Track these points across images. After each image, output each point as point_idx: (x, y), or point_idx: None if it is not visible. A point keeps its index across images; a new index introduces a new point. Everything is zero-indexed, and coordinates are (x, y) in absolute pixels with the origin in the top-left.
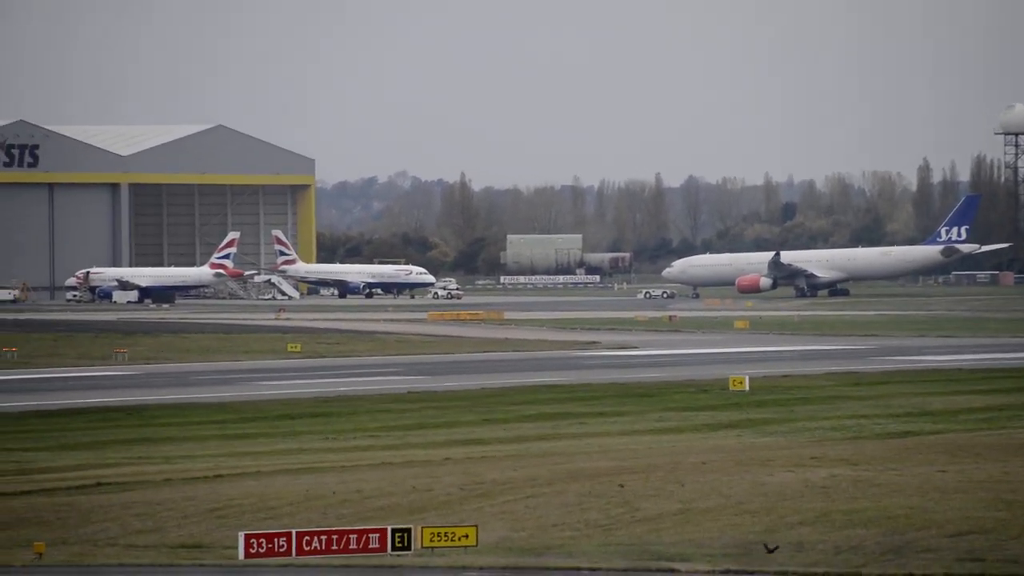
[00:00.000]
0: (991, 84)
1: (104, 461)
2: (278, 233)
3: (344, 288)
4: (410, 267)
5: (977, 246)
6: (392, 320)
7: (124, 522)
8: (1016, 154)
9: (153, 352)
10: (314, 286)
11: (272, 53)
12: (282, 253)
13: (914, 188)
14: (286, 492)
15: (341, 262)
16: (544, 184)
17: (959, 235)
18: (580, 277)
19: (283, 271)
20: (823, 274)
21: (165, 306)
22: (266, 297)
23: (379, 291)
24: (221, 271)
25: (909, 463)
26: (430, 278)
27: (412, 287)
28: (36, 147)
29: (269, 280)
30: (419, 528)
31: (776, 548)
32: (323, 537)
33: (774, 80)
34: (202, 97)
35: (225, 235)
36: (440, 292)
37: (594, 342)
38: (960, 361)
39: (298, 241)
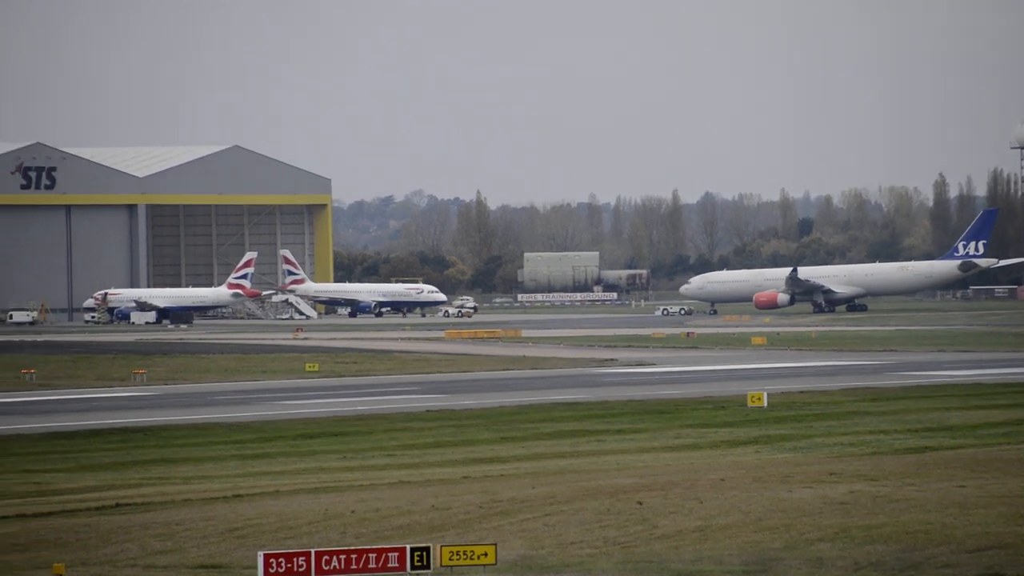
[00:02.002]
0: (1007, 99)
1: (123, 482)
2: (286, 253)
3: (355, 307)
4: (421, 286)
5: (995, 260)
6: (410, 339)
7: (144, 543)
8: None
9: (171, 373)
10: (329, 305)
11: (289, 73)
12: (290, 273)
13: (931, 203)
14: (305, 511)
15: (358, 281)
16: (560, 202)
17: (976, 250)
18: (597, 294)
19: (292, 290)
20: (840, 290)
21: (183, 326)
22: (284, 317)
23: (388, 309)
24: (239, 291)
25: (928, 478)
26: (441, 296)
27: (423, 305)
28: (53, 169)
29: (287, 300)
30: (438, 547)
31: None
32: (342, 556)
33: (790, 96)
34: (219, 118)
35: (242, 255)
36: (451, 310)
37: (611, 359)
38: (978, 376)
39: (315, 260)
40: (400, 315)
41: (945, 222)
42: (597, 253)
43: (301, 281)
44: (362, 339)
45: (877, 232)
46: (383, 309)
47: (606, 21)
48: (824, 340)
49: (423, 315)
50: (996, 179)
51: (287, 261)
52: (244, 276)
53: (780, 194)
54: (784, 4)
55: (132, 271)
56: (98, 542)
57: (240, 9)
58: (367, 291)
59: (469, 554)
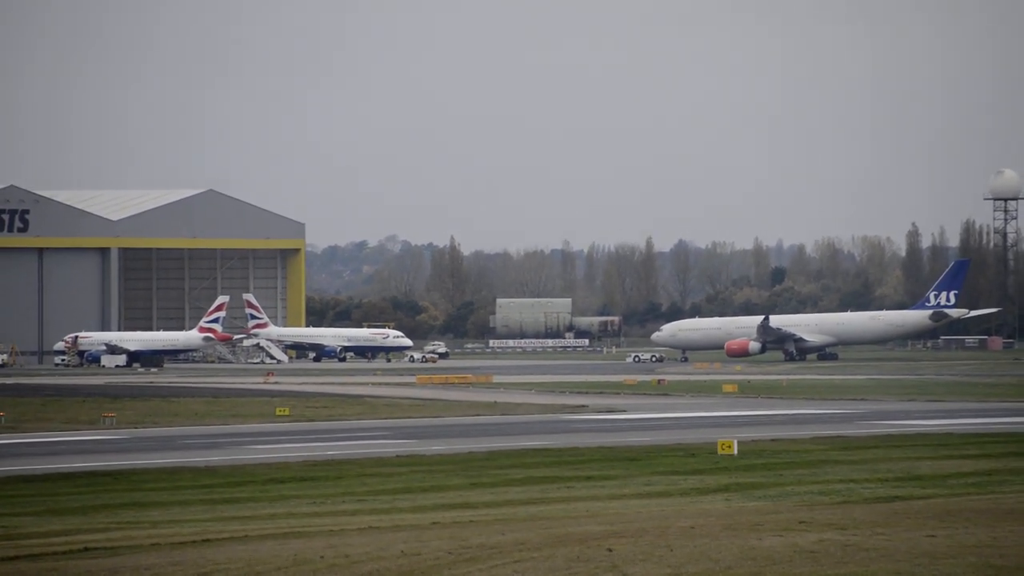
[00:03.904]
0: (980, 150)
1: (91, 526)
2: (249, 297)
3: (320, 351)
4: (387, 331)
5: (966, 311)
6: (380, 383)
7: None
8: (1005, 219)
9: (141, 416)
10: (297, 349)
11: (262, 117)
12: (253, 316)
13: (903, 253)
14: (274, 557)
15: (331, 326)
16: (534, 248)
17: (948, 300)
18: (569, 341)
19: (255, 334)
20: (812, 338)
21: (154, 370)
22: (255, 361)
23: (352, 355)
24: (210, 335)
25: (898, 528)
26: (407, 341)
27: (388, 351)
28: (27, 212)
29: (258, 344)
30: None
31: None
32: None
33: (764, 144)
34: (192, 161)
35: (215, 299)
36: (416, 356)
37: (582, 406)
38: (949, 425)
39: (287, 305)
40: (365, 359)
41: (917, 272)
42: (570, 300)
43: (264, 325)
44: (333, 383)
45: (849, 281)
46: (348, 354)
47: (579, 69)
48: (795, 388)
49: (388, 360)
50: (968, 230)
51: (250, 305)
52: (216, 320)
53: (753, 242)
54: (756, 53)
55: (103, 314)
56: None
57: (214, 53)
58: (332, 335)
59: None
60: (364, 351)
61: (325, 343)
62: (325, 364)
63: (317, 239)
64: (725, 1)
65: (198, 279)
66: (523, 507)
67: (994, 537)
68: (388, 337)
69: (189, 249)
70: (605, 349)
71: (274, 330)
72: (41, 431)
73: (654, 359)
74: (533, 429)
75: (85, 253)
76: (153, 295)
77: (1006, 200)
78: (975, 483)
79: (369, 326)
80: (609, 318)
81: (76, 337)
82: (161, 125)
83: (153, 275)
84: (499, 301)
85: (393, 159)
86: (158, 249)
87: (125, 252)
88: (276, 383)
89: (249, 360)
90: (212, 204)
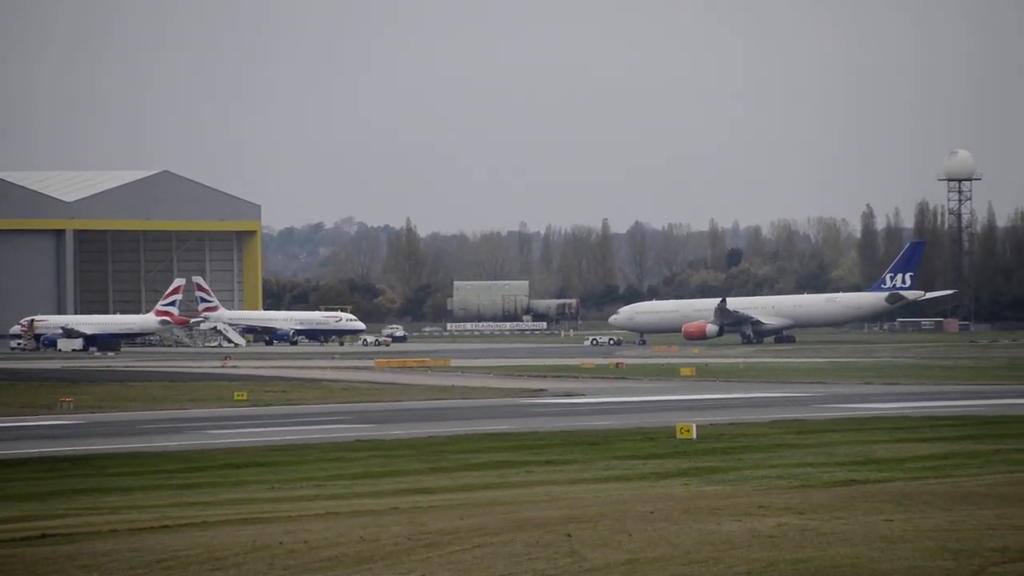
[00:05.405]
0: (934, 130)
1: (49, 512)
2: (199, 280)
3: (272, 335)
4: (340, 314)
5: (921, 293)
6: (339, 368)
7: (69, 574)
8: (960, 200)
9: (99, 401)
10: (250, 333)
11: (216, 97)
12: (203, 300)
13: (859, 234)
14: (232, 542)
15: (288, 309)
16: (491, 230)
17: (904, 282)
18: (527, 324)
19: (205, 318)
20: (769, 321)
21: (111, 354)
22: (212, 344)
23: (304, 338)
24: (167, 318)
25: (855, 512)
26: (360, 325)
27: (342, 334)
28: None
29: (215, 327)
30: None
31: None
32: None
33: (719, 126)
34: (147, 142)
35: (171, 282)
36: (369, 339)
37: (541, 389)
38: (905, 409)
39: (244, 287)
40: (318, 343)
41: (872, 254)
42: (527, 282)
43: (215, 308)
44: (291, 368)
45: (805, 263)
46: (300, 337)
47: (536, 47)
48: (752, 371)
49: (341, 343)
50: (923, 211)
51: (200, 288)
52: (172, 303)
53: (709, 224)
54: (715, 34)
55: (59, 297)
56: (23, 573)
57: (170, 35)
58: (283, 319)
59: None
60: (317, 335)
61: (277, 326)
62: (283, 348)
63: (273, 221)
64: None
65: (154, 262)
66: (482, 492)
67: (951, 521)
68: (341, 320)
69: (144, 231)
70: (563, 332)
71: (225, 313)
72: None
73: (612, 342)
74: (492, 413)
75: (40, 235)
76: (109, 278)
77: (960, 181)
78: (932, 467)
79: (326, 309)
80: (566, 301)
81: (32, 321)
82: (116, 106)
83: (109, 258)
84: (456, 284)
85: (350, 141)
86: (113, 231)
87: (80, 234)
88: (234, 367)
89: (206, 344)
90: (167, 185)
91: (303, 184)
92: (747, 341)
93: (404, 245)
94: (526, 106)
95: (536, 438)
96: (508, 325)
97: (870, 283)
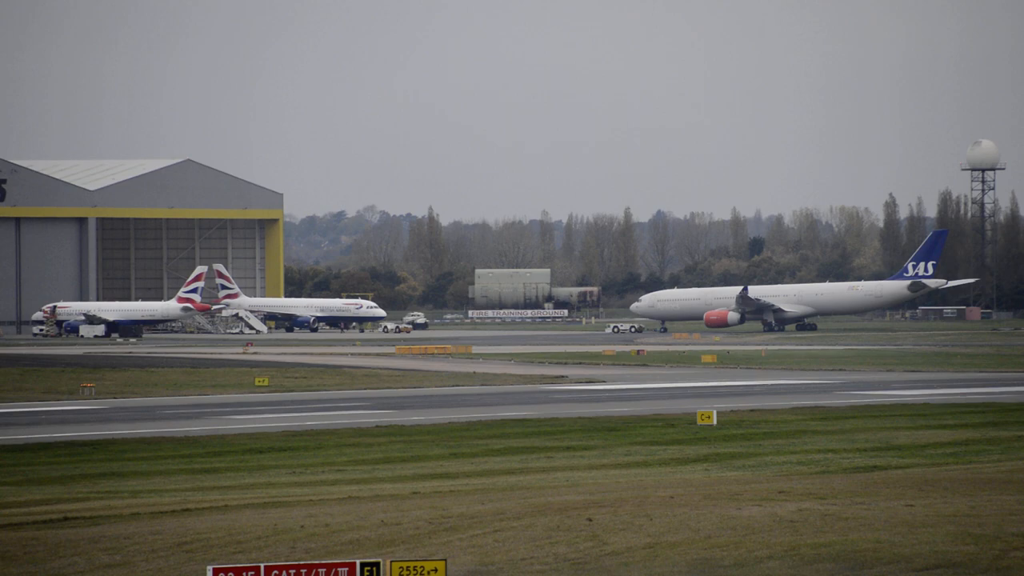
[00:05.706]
0: (958, 120)
1: (71, 495)
2: (219, 267)
3: (292, 322)
4: (360, 301)
5: (944, 281)
6: (360, 354)
7: (91, 556)
8: (983, 190)
9: (120, 386)
10: (275, 320)
11: (242, 88)
12: (224, 287)
13: (881, 224)
14: (254, 526)
15: (309, 296)
16: (512, 219)
17: (926, 270)
18: (548, 311)
19: (226, 304)
20: (791, 308)
21: (132, 340)
22: (234, 331)
23: (325, 325)
24: (189, 305)
25: (876, 497)
26: (380, 312)
27: (362, 320)
28: (3, 181)
29: (237, 314)
30: (388, 562)
31: None
32: (292, 571)
33: (742, 116)
34: (170, 131)
35: (193, 269)
36: (390, 326)
37: (562, 376)
38: (927, 396)
39: (266, 275)
40: (338, 330)
41: (895, 243)
42: (548, 270)
43: (236, 295)
44: (312, 354)
45: (827, 252)
46: (320, 324)
47: (560, 39)
48: (773, 359)
49: (360, 330)
50: (946, 200)
51: (221, 275)
52: (194, 290)
53: (731, 213)
54: (735, 27)
55: (82, 284)
56: (46, 556)
57: (194, 25)
58: (304, 306)
59: (419, 569)
60: (337, 321)
61: (298, 313)
62: (303, 335)
63: (295, 209)
64: None
65: (176, 249)
66: (503, 477)
67: (972, 506)
68: (361, 307)
69: (167, 219)
70: (584, 319)
71: (246, 300)
72: (20, 401)
73: (633, 329)
74: (513, 400)
75: (63, 223)
76: (131, 265)
77: (983, 171)
78: (953, 453)
79: (348, 296)
80: (588, 288)
81: (55, 307)
82: (139, 94)
83: (131, 245)
84: (478, 271)
85: (372, 130)
86: (136, 219)
87: (103, 222)
88: (255, 353)
89: (228, 330)
90: (189, 174)
91: (326, 173)
92: (769, 329)
93: (426, 233)
94: (550, 98)
95: (557, 424)
96: (529, 312)
97: (892, 272)
